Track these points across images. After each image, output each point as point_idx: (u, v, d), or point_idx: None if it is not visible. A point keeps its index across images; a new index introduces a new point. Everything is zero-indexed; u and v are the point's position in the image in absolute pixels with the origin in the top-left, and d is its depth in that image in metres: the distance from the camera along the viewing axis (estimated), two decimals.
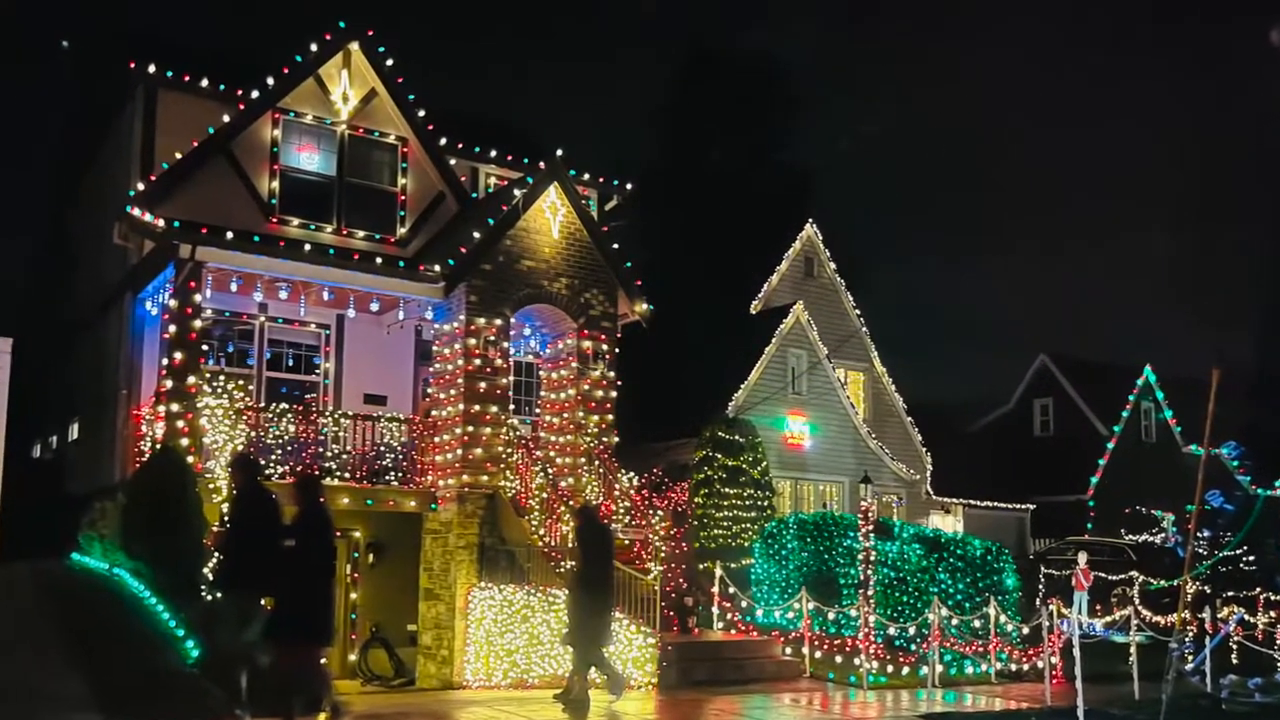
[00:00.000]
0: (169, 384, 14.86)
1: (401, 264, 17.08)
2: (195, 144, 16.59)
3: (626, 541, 15.81)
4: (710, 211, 36.85)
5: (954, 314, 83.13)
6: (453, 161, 19.34)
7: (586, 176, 21.31)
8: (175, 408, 14.71)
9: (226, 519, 9.85)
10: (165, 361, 15.14)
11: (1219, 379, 12.78)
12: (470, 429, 16.48)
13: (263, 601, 9.21)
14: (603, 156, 48.27)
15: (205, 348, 15.92)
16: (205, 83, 17.33)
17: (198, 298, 15.27)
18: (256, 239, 15.77)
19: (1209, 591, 19.79)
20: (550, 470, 16.65)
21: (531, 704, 11.88)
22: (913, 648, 15.24)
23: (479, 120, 23.41)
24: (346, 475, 16.24)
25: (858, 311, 29.18)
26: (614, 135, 69.70)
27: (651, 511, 16.82)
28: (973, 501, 30.66)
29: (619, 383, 18.08)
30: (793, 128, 44.92)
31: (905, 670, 14.77)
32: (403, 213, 18.54)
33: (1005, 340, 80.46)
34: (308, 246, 16.15)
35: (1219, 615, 16.72)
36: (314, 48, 17.69)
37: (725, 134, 39.94)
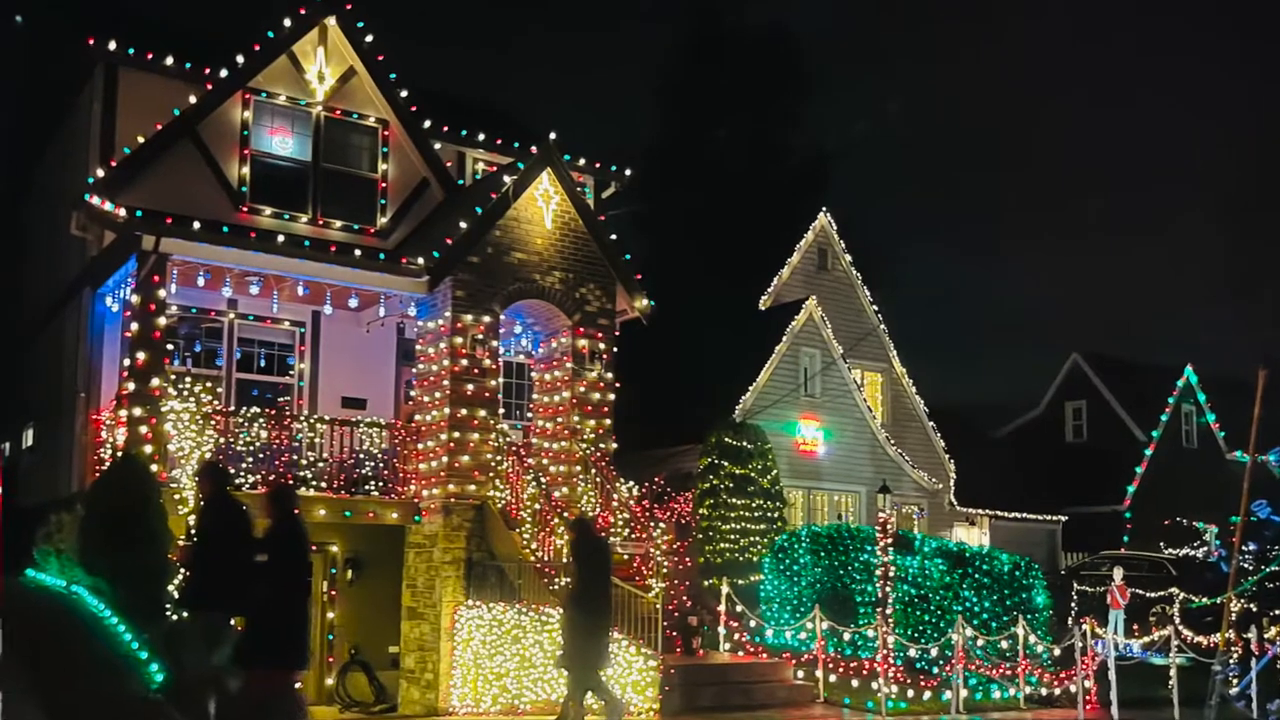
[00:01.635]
0: (131, 386, 14.86)
1: (382, 256, 17.08)
2: (159, 127, 16.57)
3: (626, 556, 15.82)
4: (716, 200, 36.89)
5: (979, 311, 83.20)
6: (437, 146, 19.35)
7: (582, 162, 21.31)
8: (138, 412, 14.72)
9: (193, 532, 9.85)
10: (127, 362, 15.15)
11: (1266, 380, 12.81)
12: (457, 435, 16.49)
13: (232, 621, 9.23)
14: (600, 141, 48.40)
15: (170, 347, 15.93)
16: (170, 61, 17.33)
17: (162, 293, 15.28)
18: (225, 229, 15.79)
19: (1255, 610, 19.76)
20: (543, 479, 16.66)
21: None
22: (935, 671, 15.25)
23: (466, 102, 23.46)
24: (323, 485, 16.26)
25: (875, 308, 29.21)
26: (612, 119, 69.82)
27: (653, 524, 16.81)
28: (1000, 512, 30.67)
29: (617, 384, 18.09)
30: (804, 109, 44.99)
31: (927, 695, 14.79)
32: (383, 201, 18.56)
33: (1035, 339, 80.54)
34: (281, 237, 16.15)
35: (1266, 635, 16.69)
36: (287, 23, 17.70)
37: (732, 116, 39.97)
